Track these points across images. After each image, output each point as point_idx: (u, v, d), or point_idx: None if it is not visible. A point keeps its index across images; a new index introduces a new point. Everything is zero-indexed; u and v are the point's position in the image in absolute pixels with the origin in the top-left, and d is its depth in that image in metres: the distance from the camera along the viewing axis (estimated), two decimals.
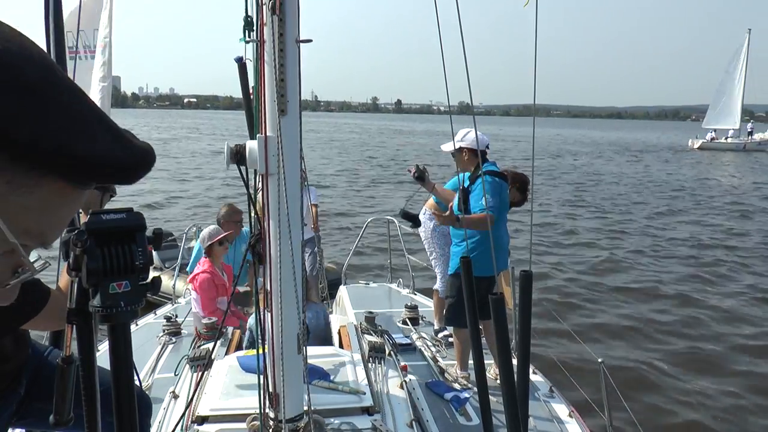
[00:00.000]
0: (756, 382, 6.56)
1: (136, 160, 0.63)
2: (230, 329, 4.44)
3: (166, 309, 5.70)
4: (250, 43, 2.22)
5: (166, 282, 6.41)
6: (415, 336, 4.80)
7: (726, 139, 54.49)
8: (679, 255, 12.52)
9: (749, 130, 56.31)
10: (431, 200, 5.06)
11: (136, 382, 1.28)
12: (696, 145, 54.27)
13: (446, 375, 4.10)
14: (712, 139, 54.77)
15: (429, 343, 4.70)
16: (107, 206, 2.12)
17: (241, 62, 2.32)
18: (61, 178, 0.58)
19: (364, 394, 2.87)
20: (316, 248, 6.64)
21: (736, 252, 12.73)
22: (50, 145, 0.55)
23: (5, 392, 1.89)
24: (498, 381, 2.18)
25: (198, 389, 2.92)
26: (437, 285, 5.09)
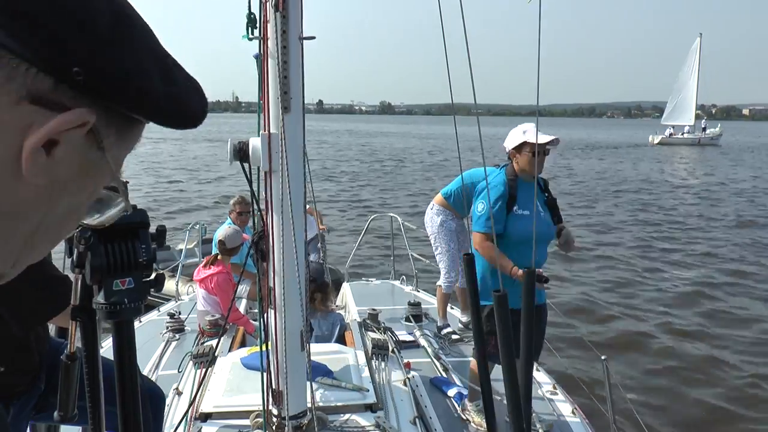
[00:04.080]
0: (761, 383, 6.54)
1: (204, 104, 0.62)
2: (234, 326, 4.45)
3: (169, 306, 5.71)
4: (254, 41, 2.22)
5: (168, 284, 6.39)
6: (418, 333, 4.81)
7: (683, 134, 59.55)
8: (685, 252, 12.49)
9: (703, 126, 60.97)
10: (439, 196, 5.05)
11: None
12: (656, 141, 58.70)
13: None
14: (671, 134, 59.60)
15: (432, 340, 4.70)
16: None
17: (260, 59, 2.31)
18: (145, 119, 0.57)
19: (368, 391, 2.87)
20: (319, 244, 6.65)
21: (745, 249, 12.68)
22: (150, 91, 0.52)
23: (28, 386, 1.91)
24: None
25: (201, 386, 2.92)
26: (441, 281, 5.09)
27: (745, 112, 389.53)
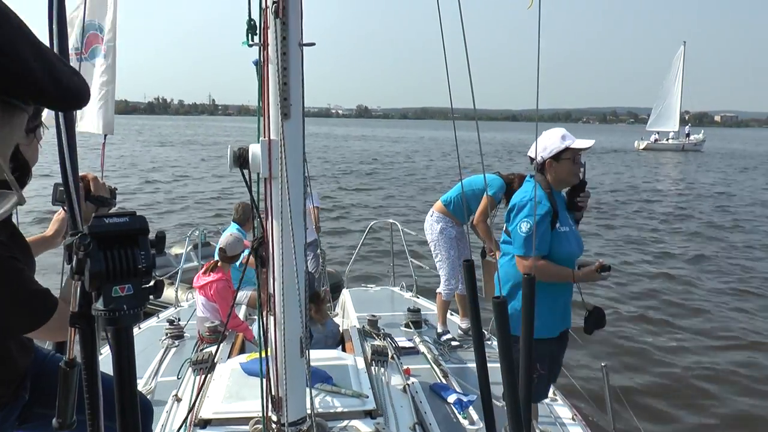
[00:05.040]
0: (760, 388, 6.53)
1: (86, 87, 0.69)
2: (233, 333, 4.44)
3: (168, 312, 5.71)
4: (253, 47, 2.22)
5: (167, 292, 6.36)
6: (417, 339, 4.80)
7: (667, 140, 61.51)
8: (685, 252, 12.49)
9: (687, 132, 63.00)
10: (439, 203, 5.05)
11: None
12: (641, 147, 60.82)
13: None
14: (656, 140, 61.61)
15: (432, 347, 4.69)
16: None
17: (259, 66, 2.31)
18: (27, 104, 0.62)
19: (367, 397, 2.87)
20: (318, 250, 6.65)
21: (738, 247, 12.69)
22: (37, 74, 0.57)
23: (12, 397, 1.90)
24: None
25: (201, 392, 2.91)
26: (441, 288, 5.09)
27: (717, 118, 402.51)
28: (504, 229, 3.31)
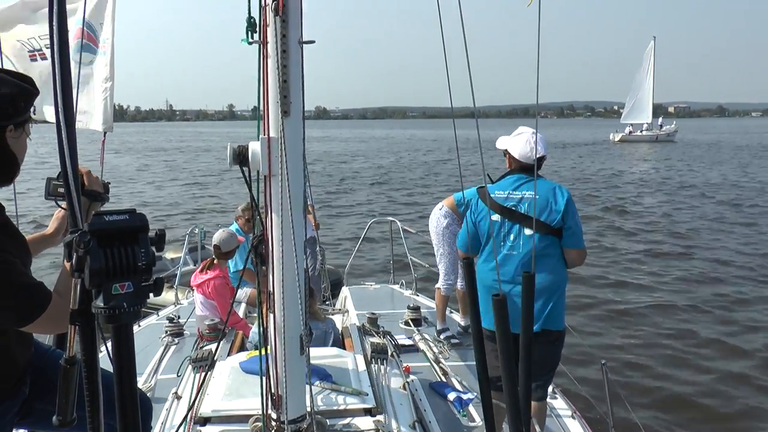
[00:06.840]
0: (760, 384, 6.54)
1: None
2: (233, 330, 4.44)
3: (168, 310, 5.71)
4: (253, 45, 2.22)
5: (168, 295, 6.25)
6: (417, 337, 4.80)
7: (641, 132, 63.80)
8: (680, 249, 12.49)
9: (660, 123, 65.66)
10: (451, 199, 5.03)
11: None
12: (617, 139, 63.22)
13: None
14: (630, 132, 63.87)
15: (431, 344, 4.69)
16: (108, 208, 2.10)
17: None
18: None
19: (367, 395, 2.87)
20: (317, 248, 6.65)
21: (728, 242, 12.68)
22: None
23: (11, 392, 1.90)
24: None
25: (200, 390, 2.92)
26: (440, 283, 5.08)
27: (671, 109, 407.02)
28: (543, 226, 3.26)
